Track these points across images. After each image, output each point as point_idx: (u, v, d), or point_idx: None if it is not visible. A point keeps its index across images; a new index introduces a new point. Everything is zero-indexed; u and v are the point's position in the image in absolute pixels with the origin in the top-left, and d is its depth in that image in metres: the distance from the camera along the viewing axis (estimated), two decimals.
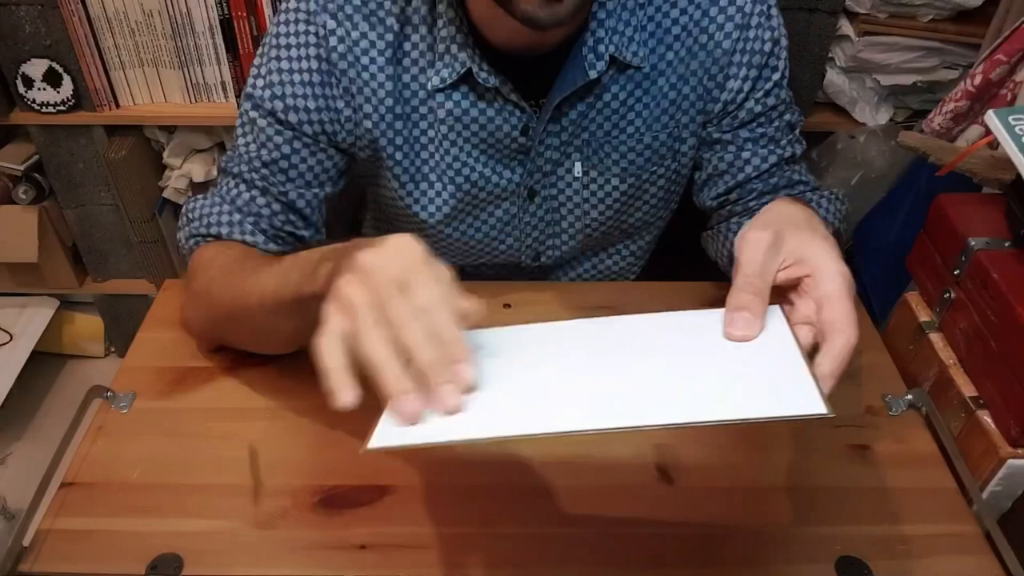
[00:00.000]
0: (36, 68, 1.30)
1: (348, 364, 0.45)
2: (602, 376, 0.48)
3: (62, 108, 1.35)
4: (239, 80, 1.33)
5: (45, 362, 1.69)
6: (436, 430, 0.44)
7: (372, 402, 0.68)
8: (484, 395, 0.46)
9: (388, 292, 0.45)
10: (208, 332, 0.72)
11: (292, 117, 0.71)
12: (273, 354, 0.70)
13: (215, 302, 0.66)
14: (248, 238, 0.72)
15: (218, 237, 0.72)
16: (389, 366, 0.44)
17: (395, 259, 0.47)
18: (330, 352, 0.45)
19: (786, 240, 0.50)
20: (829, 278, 0.48)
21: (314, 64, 0.69)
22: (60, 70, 1.31)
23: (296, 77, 0.70)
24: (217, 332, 0.71)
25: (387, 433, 0.44)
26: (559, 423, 0.44)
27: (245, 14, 1.27)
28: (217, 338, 0.72)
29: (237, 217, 0.72)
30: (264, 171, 0.72)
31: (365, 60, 0.69)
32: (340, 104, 0.71)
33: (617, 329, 0.52)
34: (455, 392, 0.44)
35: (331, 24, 0.68)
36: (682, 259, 0.89)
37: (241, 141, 0.74)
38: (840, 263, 0.49)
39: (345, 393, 0.44)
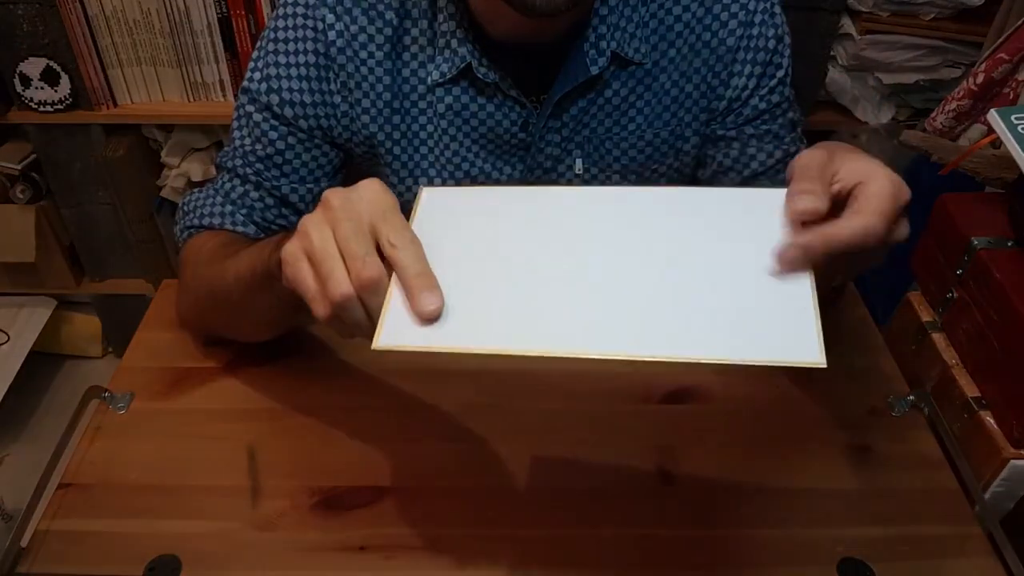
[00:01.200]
0: (34, 67, 1.30)
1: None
2: (606, 285, 0.46)
3: (60, 107, 1.34)
4: (237, 79, 1.33)
5: (42, 362, 1.68)
6: (449, 335, 0.43)
7: (372, 402, 0.68)
8: (490, 291, 0.45)
9: (352, 216, 0.46)
10: (197, 320, 0.72)
11: (288, 112, 0.70)
12: (259, 339, 0.70)
13: (200, 287, 0.67)
14: (239, 228, 0.72)
15: (210, 228, 0.73)
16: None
17: (364, 201, 0.47)
18: (297, 269, 0.46)
19: (838, 157, 0.49)
20: (877, 179, 0.46)
21: (311, 59, 0.69)
22: (58, 69, 1.30)
23: (293, 72, 0.70)
24: (204, 319, 0.71)
25: (397, 331, 0.43)
26: (563, 343, 0.43)
27: (243, 12, 1.26)
28: (205, 326, 0.72)
29: (229, 208, 0.72)
30: (259, 165, 0.72)
31: (364, 54, 0.69)
32: (337, 99, 0.71)
33: (641, 202, 0.50)
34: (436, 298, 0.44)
35: (330, 18, 0.68)
36: None
37: (236, 135, 0.74)
38: (892, 172, 0.47)
39: (319, 303, 0.45)
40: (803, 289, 0.45)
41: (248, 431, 0.66)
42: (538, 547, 0.58)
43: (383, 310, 0.44)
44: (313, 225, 0.46)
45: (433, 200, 0.51)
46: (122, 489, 0.62)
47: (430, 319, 0.44)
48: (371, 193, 0.47)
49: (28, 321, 1.61)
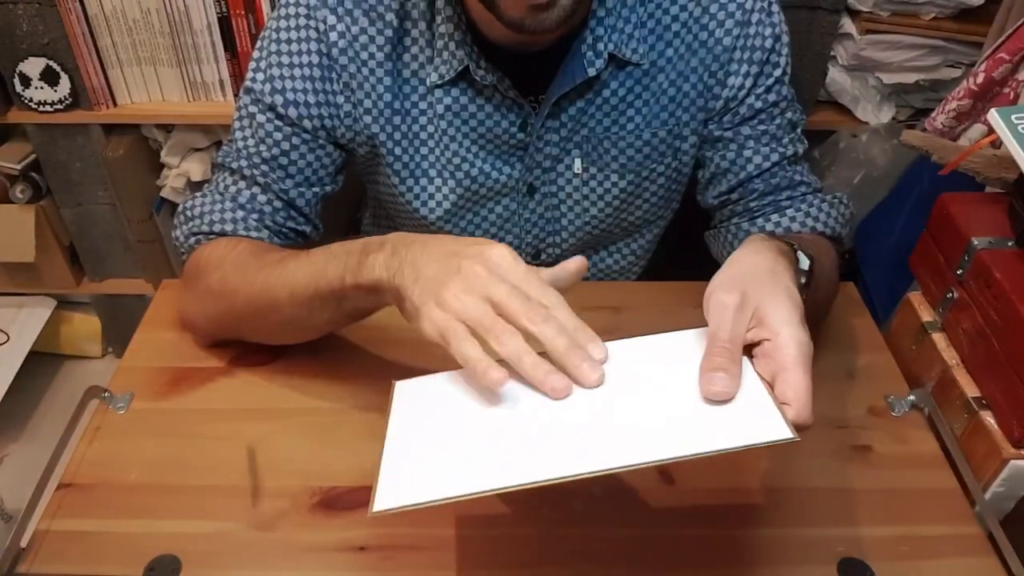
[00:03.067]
0: (33, 66, 1.30)
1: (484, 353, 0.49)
2: (577, 415, 0.49)
3: (59, 107, 1.34)
4: (237, 78, 1.33)
5: (42, 362, 1.68)
6: (437, 488, 0.45)
7: (372, 402, 0.68)
8: (471, 445, 0.48)
9: (505, 295, 0.49)
10: (221, 328, 0.71)
11: (292, 112, 0.70)
12: (292, 343, 0.70)
13: (233, 297, 0.66)
14: (254, 234, 0.71)
15: (222, 234, 0.71)
16: (527, 356, 0.48)
17: (502, 270, 0.50)
18: (468, 350, 0.49)
19: (750, 299, 0.49)
20: (784, 347, 0.47)
21: (315, 59, 0.69)
22: (57, 68, 1.30)
23: (296, 72, 0.69)
24: (235, 327, 0.70)
25: (390, 493, 0.46)
26: (549, 470, 0.45)
27: (243, 12, 1.26)
28: (233, 333, 0.71)
29: (241, 214, 0.72)
30: (264, 167, 0.72)
31: (365, 55, 0.69)
32: (340, 99, 0.71)
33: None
34: (595, 367, 0.49)
35: (331, 19, 0.68)
36: (684, 259, 0.89)
37: (239, 135, 0.73)
38: (797, 328, 0.48)
39: (495, 373, 0.48)
40: (749, 378, 0.48)
41: (248, 431, 0.66)
42: (538, 547, 0.58)
43: (377, 477, 0.47)
44: (463, 292, 0.49)
45: (404, 390, 0.55)
46: (122, 489, 0.62)
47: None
48: (507, 261, 0.51)
49: (28, 321, 1.61)
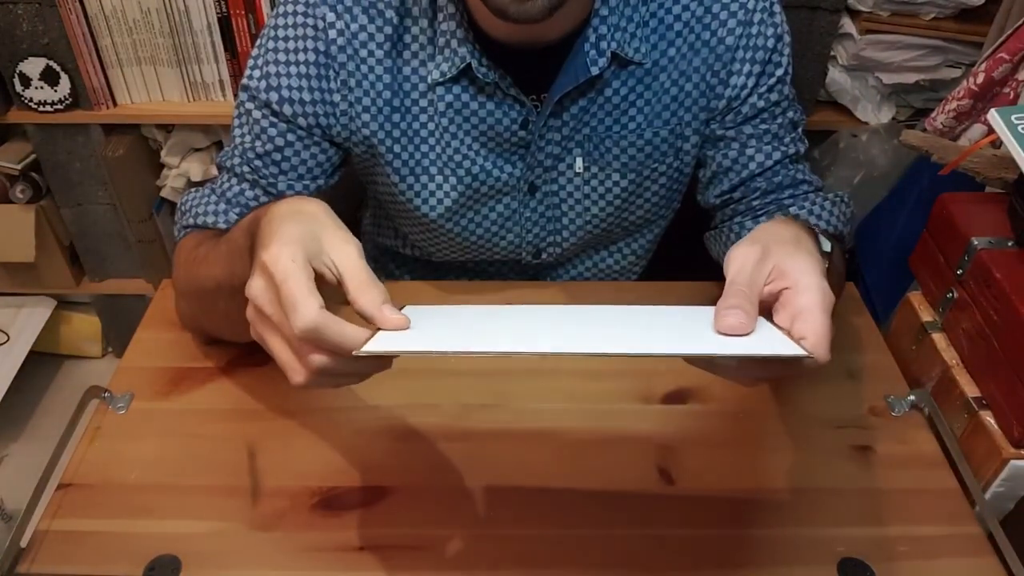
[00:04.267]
0: (33, 66, 1.30)
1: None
2: (590, 320, 0.48)
3: (59, 107, 1.34)
4: (237, 78, 1.33)
5: (42, 362, 1.68)
6: (427, 342, 0.45)
7: (371, 402, 0.68)
8: (465, 322, 0.48)
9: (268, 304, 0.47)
10: (191, 321, 0.73)
11: (287, 109, 0.70)
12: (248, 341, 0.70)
13: (190, 290, 0.67)
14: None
15: (204, 227, 0.72)
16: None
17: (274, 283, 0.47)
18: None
19: (772, 254, 0.50)
20: (806, 291, 0.47)
21: (311, 56, 0.69)
22: (57, 68, 1.30)
23: (293, 69, 0.70)
24: (197, 320, 0.71)
25: (381, 343, 0.46)
26: (546, 343, 0.44)
27: (243, 12, 1.26)
28: (199, 327, 0.72)
29: (223, 207, 0.72)
30: (257, 163, 0.73)
31: (364, 53, 0.69)
32: (336, 98, 0.71)
33: (590, 312, 0.52)
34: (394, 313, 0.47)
35: (330, 16, 0.68)
36: (685, 259, 0.89)
37: (236, 132, 0.74)
38: (820, 278, 0.48)
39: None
40: (765, 327, 0.47)
41: (248, 431, 0.66)
42: (538, 547, 0.58)
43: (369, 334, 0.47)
44: (253, 324, 0.49)
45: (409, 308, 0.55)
46: (122, 489, 0.62)
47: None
48: (278, 274, 0.47)
49: (28, 321, 1.61)
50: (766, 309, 0.49)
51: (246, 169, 0.73)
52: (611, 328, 0.48)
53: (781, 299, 0.48)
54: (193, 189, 0.75)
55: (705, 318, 0.47)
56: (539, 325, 0.49)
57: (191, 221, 0.73)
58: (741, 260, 0.49)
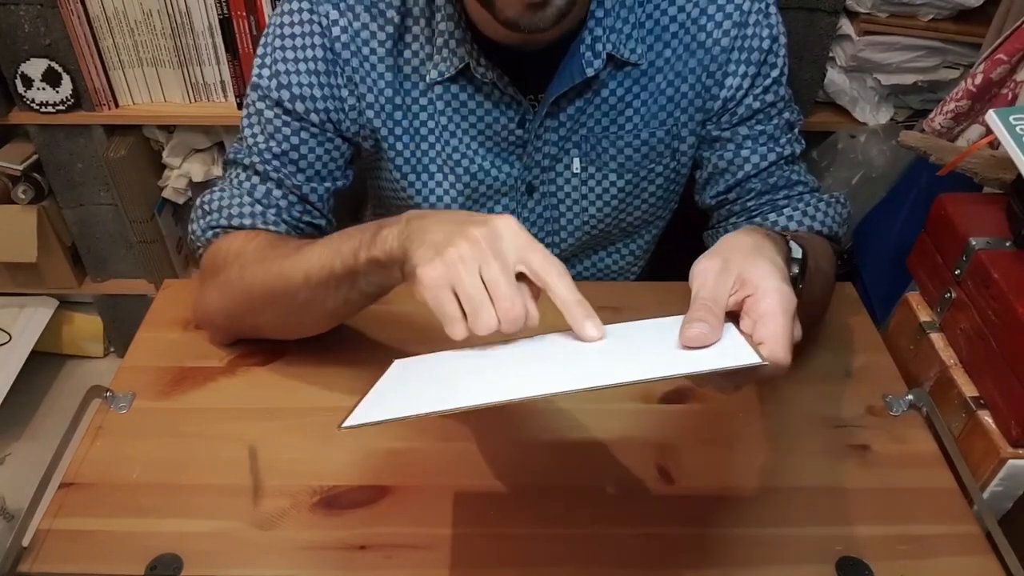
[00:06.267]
0: (35, 67, 1.30)
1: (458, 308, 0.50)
2: (557, 356, 0.50)
3: (61, 108, 1.34)
4: (238, 79, 1.33)
5: (44, 362, 1.69)
6: (405, 406, 0.47)
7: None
8: (444, 380, 0.50)
9: (498, 255, 0.50)
10: (239, 322, 0.71)
11: (299, 106, 0.71)
12: (306, 336, 0.70)
13: (251, 287, 0.66)
14: (272, 228, 0.72)
15: (240, 228, 0.72)
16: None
17: (506, 239, 0.50)
18: (447, 307, 0.50)
19: (733, 263, 0.50)
20: (765, 295, 0.48)
21: (319, 53, 0.70)
22: (59, 70, 1.30)
23: (302, 67, 0.70)
24: (252, 320, 0.70)
25: (361, 414, 0.48)
26: (522, 389, 0.46)
27: (244, 14, 1.27)
28: (250, 325, 0.71)
29: (259, 208, 0.72)
30: (275, 163, 0.73)
31: (366, 51, 0.70)
32: (344, 93, 0.71)
33: (564, 340, 0.53)
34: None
35: (334, 14, 0.69)
36: (684, 259, 0.89)
37: (248, 132, 0.74)
38: (780, 282, 0.49)
39: (460, 327, 0.49)
40: (730, 333, 0.49)
41: (249, 430, 0.66)
42: (538, 547, 0.58)
43: (362, 398, 0.50)
44: (461, 260, 0.49)
45: (399, 363, 0.56)
46: (123, 488, 0.62)
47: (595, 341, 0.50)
48: (511, 232, 0.50)
49: (30, 321, 1.61)
50: (734, 318, 0.50)
51: (268, 168, 0.72)
52: (577, 358, 0.50)
53: (744, 306, 0.49)
54: (214, 189, 0.74)
55: (671, 334, 0.49)
56: (508, 369, 0.50)
57: (224, 222, 0.72)
58: (703, 274, 0.50)
